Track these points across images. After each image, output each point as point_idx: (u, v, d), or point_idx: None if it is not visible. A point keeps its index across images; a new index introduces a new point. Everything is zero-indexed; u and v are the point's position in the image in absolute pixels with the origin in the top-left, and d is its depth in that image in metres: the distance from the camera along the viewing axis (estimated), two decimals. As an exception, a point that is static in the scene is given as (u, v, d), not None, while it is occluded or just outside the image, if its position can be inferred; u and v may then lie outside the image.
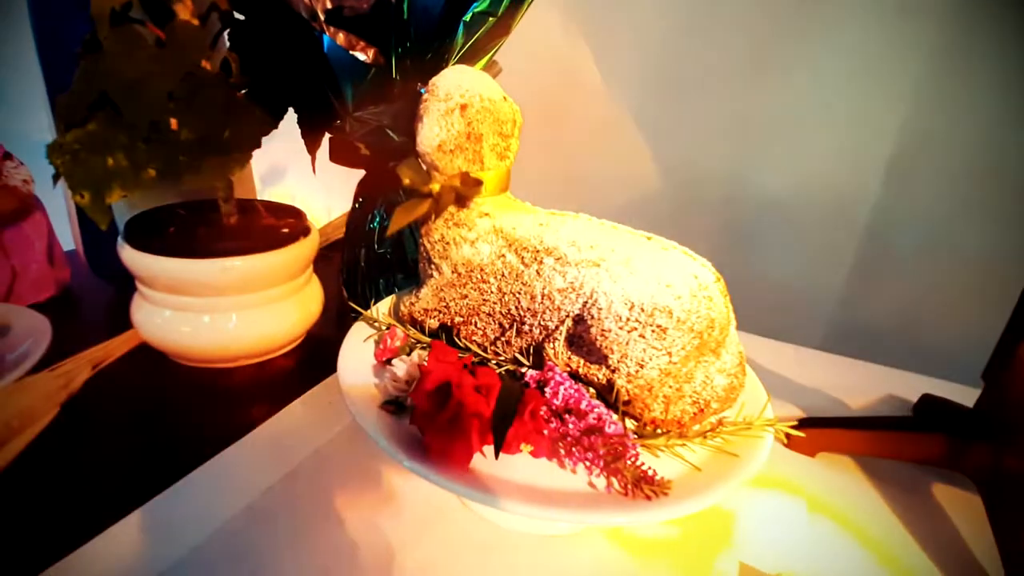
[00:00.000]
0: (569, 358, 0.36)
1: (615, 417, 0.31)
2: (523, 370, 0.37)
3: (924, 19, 0.61)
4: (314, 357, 0.57)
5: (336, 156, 0.47)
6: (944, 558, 0.39)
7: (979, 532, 0.41)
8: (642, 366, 0.33)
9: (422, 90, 0.42)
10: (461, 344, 0.39)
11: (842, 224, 0.71)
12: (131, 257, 0.48)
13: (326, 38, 0.38)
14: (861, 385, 0.61)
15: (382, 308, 0.45)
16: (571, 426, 0.30)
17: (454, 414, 0.29)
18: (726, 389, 0.34)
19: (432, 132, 0.37)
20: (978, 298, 0.67)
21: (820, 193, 0.71)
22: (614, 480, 0.30)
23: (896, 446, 0.46)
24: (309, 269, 0.57)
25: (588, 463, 0.30)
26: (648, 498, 0.28)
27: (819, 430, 0.48)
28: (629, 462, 0.29)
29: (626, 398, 0.34)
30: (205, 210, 0.55)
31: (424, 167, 0.39)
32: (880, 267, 0.71)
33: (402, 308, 0.42)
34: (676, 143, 0.78)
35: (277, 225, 0.54)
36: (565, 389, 0.32)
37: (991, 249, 0.65)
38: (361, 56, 0.39)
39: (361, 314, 0.43)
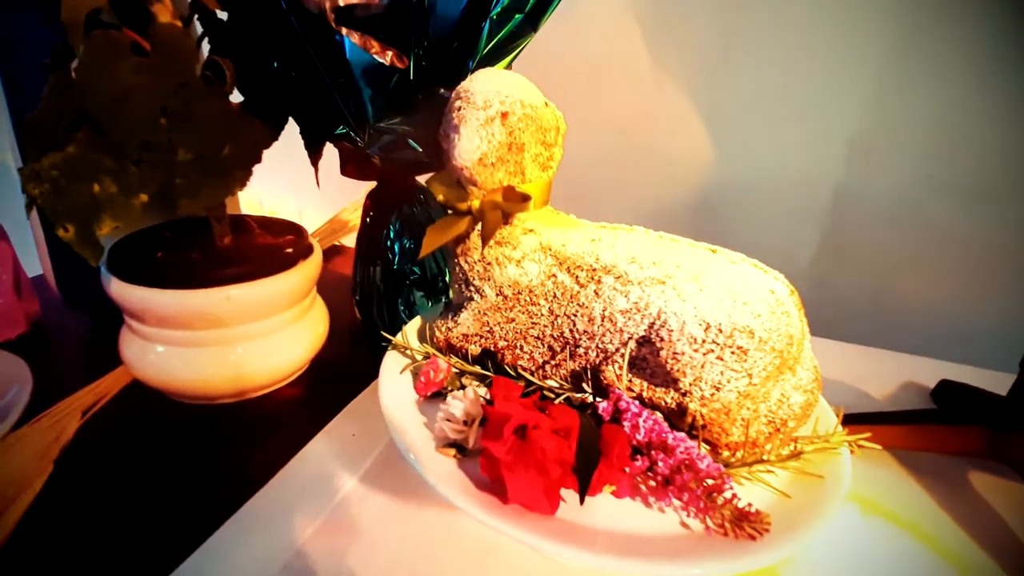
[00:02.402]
0: (631, 381, 0.34)
1: (701, 449, 0.29)
2: (582, 397, 0.34)
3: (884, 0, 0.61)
4: (323, 383, 0.53)
5: (347, 169, 0.43)
6: (1002, 551, 0.39)
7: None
8: (718, 389, 0.31)
9: (444, 94, 0.39)
10: (511, 373, 0.36)
11: (810, 206, 0.71)
12: (120, 290, 0.43)
13: (347, 41, 0.34)
14: (876, 373, 0.61)
15: (409, 334, 0.42)
16: (660, 464, 0.28)
17: (535, 462, 0.27)
18: (803, 407, 0.33)
19: (472, 144, 0.33)
20: (947, 274, 0.68)
21: (787, 177, 0.72)
22: (708, 520, 0.28)
23: (938, 439, 0.46)
24: (314, 289, 0.53)
25: (683, 503, 0.28)
26: (752, 537, 0.27)
27: (860, 427, 0.47)
28: (725, 497, 0.27)
29: (701, 423, 0.32)
30: (194, 231, 0.50)
31: (459, 181, 0.36)
32: (846, 248, 0.71)
33: (437, 334, 0.39)
34: (648, 131, 0.77)
35: (278, 244, 0.50)
36: (644, 421, 0.30)
37: (957, 225, 0.66)
38: (382, 59, 0.35)
39: (391, 343, 0.40)
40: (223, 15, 0.43)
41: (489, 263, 0.36)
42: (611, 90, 0.77)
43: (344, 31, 0.33)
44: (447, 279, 0.48)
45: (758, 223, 0.75)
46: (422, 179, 0.48)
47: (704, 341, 0.30)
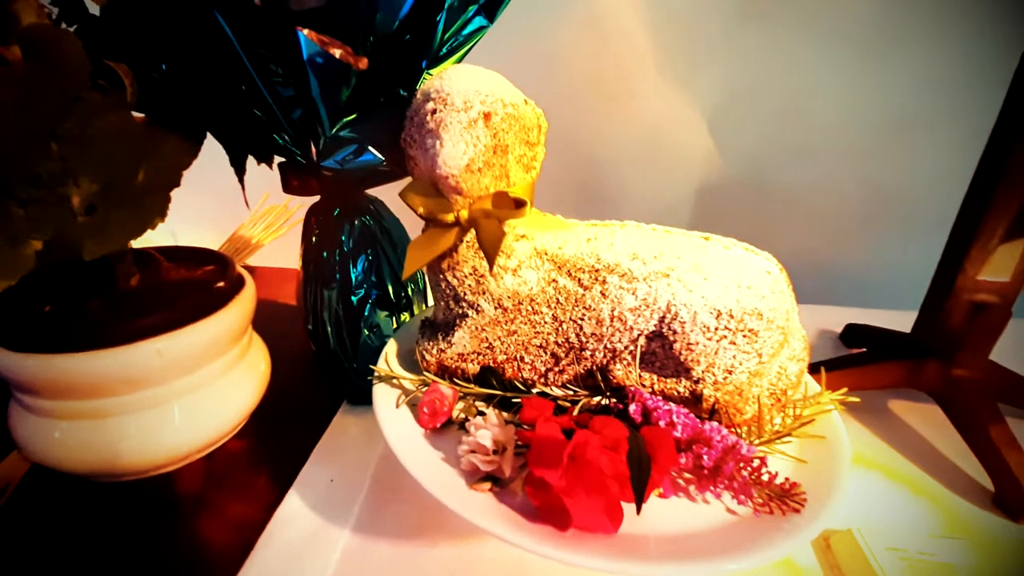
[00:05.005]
0: (640, 376, 0.34)
1: (732, 435, 0.30)
2: (599, 400, 0.34)
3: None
4: (276, 428, 0.47)
5: (290, 185, 0.38)
6: (931, 463, 0.45)
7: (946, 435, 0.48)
8: (731, 372, 0.32)
9: (402, 92, 0.35)
10: (521, 388, 0.34)
11: (680, 176, 0.78)
12: (11, 363, 0.34)
13: (303, 38, 0.29)
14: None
15: (391, 361, 0.38)
16: (705, 457, 0.28)
17: (593, 482, 0.25)
18: (798, 375, 0.35)
19: (458, 150, 0.30)
20: (797, 225, 0.78)
21: (660, 150, 0.77)
22: (753, 502, 0.28)
23: (870, 378, 0.52)
24: (250, 326, 0.46)
25: (734, 491, 0.28)
26: (796, 510, 0.28)
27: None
28: (765, 478, 0.28)
29: (717, 407, 0.33)
30: (86, 273, 0.41)
31: (437, 190, 0.33)
32: (714, 211, 0.79)
33: (428, 357, 0.36)
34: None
35: (201, 278, 0.43)
36: (676, 417, 0.30)
37: (801, 182, 0.75)
38: (340, 58, 0.30)
39: (379, 376, 0.36)
40: (95, 9, 0.35)
41: (482, 275, 0.33)
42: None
43: (299, 28, 0.28)
44: (410, 292, 0.45)
45: (639, 193, 0.80)
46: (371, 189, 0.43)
47: (717, 328, 0.31)
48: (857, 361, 0.55)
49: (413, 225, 0.46)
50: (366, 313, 0.42)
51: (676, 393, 0.34)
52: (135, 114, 0.34)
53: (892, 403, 0.54)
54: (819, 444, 0.33)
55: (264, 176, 0.43)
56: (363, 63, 0.31)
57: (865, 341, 0.63)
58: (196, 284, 0.42)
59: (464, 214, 0.32)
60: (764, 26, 0.68)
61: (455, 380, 0.35)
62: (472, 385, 0.35)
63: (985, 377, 0.48)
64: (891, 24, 0.65)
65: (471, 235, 0.33)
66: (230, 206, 0.72)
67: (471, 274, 0.33)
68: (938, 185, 0.70)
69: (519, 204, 0.32)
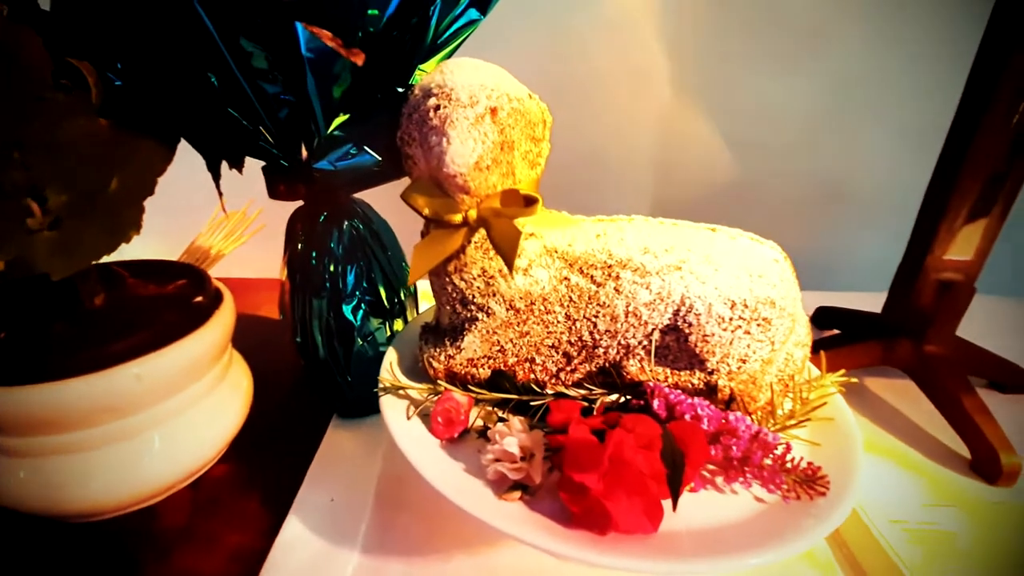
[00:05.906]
0: (654, 371, 0.34)
1: (752, 423, 0.30)
2: (617, 398, 0.33)
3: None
4: (261, 449, 0.44)
5: (276, 190, 0.35)
6: (910, 436, 0.48)
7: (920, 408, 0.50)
8: (744, 361, 0.32)
9: (399, 89, 0.34)
10: (537, 390, 0.33)
11: (641, 169, 0.80)
12: (-37, 400, 0.30)
13: (301, 31, 0.27)
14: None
15: (395, 370, 0.36)
16: (734, 448, 0.28)
17: (632, 483, 0.25)
18: (802, 360, 0.36)
19: (466, 147, 0.29)
20: (756, 215, 0.81)
21: (621, 146, 0.79)
22: (782, 489, 0.29)
23: (848, 358, 0.54)
24: (230, 342, 0.43)
25: (763, 479, 0.28)
26: (822, 494, 0.28)
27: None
28: (790, 465, 0.29)
29: (733, 396, 0.33)
30: (48, 294, 0.37)
31: (442, 189, 0.31)
32: (672, 203, 0.82)
33: (435, 364, 0.34)
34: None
35: (174, 294, 0.39)
36: (702, 410, 0.29)
37: (753, 175, 0.79)
38: (339, 52, 0.28)
39: (386, 388, 0.34)
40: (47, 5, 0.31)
41: (492, 276, 0.32)
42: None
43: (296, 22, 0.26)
44: (402, 297, 0.43)
45: (599, 196, 0.81)
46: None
47: (731, 319, 0.31)
48: (833, 343, 0.57)
49: (403, 228, 0.44)
50: (359, 322, 0.40)
51: (690, 385, 0.33)
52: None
53: (867, 381, 0.56)
54: (828, 426, 0.34)
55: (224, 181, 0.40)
56: (358, 57, 0.29)
57: (837, 323, 0.65)
58: (171, 300, 0.39)
59: (472, 214, 0.31)
60: (725, 26, 0.69)
61: (466, 386, 0.34)
62: (485, 391, 0.33)
63: (954, 352, 0.51)
64: (855, 21, 0.68)
65: (480, 235, 0.32)
66: (180, 214, 0.68)
67: (480, 276, 0.32)
68: (894, 173, 0.74)
69: (529, 202, 0.31)
